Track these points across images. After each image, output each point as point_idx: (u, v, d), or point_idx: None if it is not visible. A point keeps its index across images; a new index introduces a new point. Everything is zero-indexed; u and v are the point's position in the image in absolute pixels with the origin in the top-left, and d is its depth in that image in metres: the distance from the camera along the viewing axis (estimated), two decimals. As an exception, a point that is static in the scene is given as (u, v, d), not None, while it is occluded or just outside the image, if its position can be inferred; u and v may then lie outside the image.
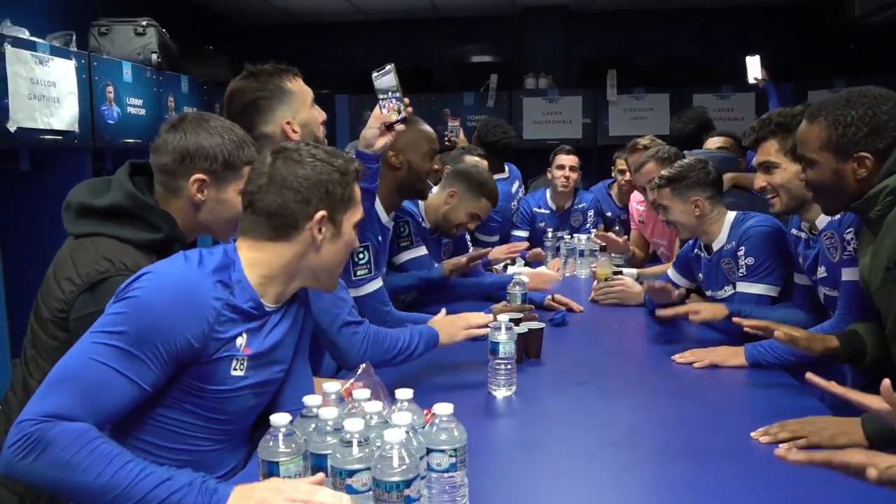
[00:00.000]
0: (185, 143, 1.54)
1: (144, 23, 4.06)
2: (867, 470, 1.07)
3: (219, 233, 1.65)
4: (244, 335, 1.31)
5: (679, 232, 2.59)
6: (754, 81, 4.08)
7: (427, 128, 2.44)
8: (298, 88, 1.90)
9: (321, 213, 1.34)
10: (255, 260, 1.34)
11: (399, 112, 1.93)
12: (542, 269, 3.49)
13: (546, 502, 1.30)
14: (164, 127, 1.60)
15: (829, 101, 1.71)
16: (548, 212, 4.11)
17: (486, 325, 1.87)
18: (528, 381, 1.92)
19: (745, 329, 1.90)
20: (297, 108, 1.88)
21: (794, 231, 2.24)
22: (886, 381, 1.16)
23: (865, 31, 5.18)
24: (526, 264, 3.69)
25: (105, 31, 4.01)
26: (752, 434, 1.53)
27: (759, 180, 2.11)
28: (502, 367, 1.83)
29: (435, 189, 2.85)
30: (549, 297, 2.74)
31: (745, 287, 2.35)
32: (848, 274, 1.91)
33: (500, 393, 1.83)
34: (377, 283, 2.24)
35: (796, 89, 5.59)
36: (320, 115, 1.95)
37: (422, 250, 2.77)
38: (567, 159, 3.98)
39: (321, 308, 1.74)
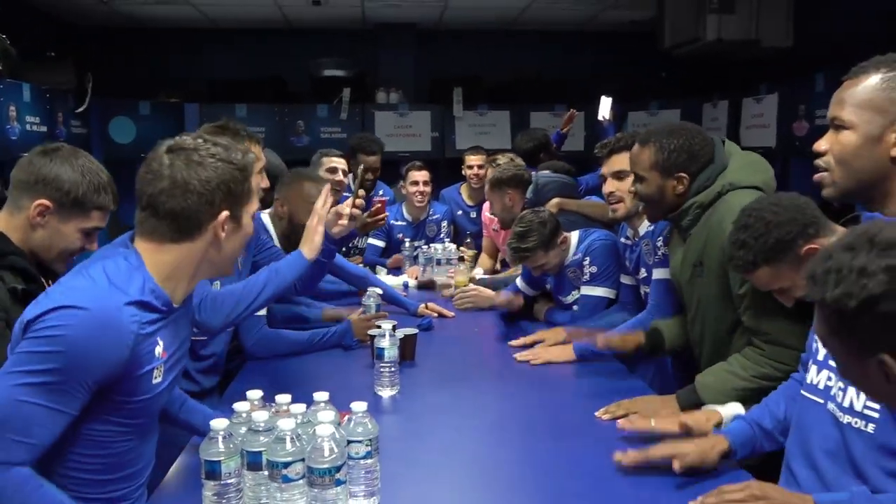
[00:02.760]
0: (47, 170, 1.65)
1: (-18, 28, 3.87)
2: (672, 462, 1.49)
3: (47, 259, 1.72)
4: (160, 341, 1.36)
5: (550, 269, 2.82)
6: (602, 119, 4.54)
7: (318, 187, 2.45)
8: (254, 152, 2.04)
9: (225, 212, 1.38)
10: (161, 263, 1.37)
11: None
12: (403, 277, 3.77)
13: (434, 477, 1.58)
14: (38, 149, 1.71)
15: (657, 130, 2.11)
16: (404, 223, 4.39)
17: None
18: (408, 380, 2.17)
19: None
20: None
21: (622, 239, 2.69)
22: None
23: (674, 60, 5.91)
24: (387, 272, 3.94)
25: (-63, 36, 3.78)
26: (596, 413, 1.88)
27: (610, 186, 2.49)
28: (386, 369, 2.07)
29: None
30: (423, 304, 3.00)
31: (589, 290, 2.76)
32: (658, 273, 2.37)
33: (386, 393, 2.07)
34: None
35: (621, 110, 6.28)
36: (263, 181, 2.11)
37: None
38: (420, 175, 4.29)
39: None
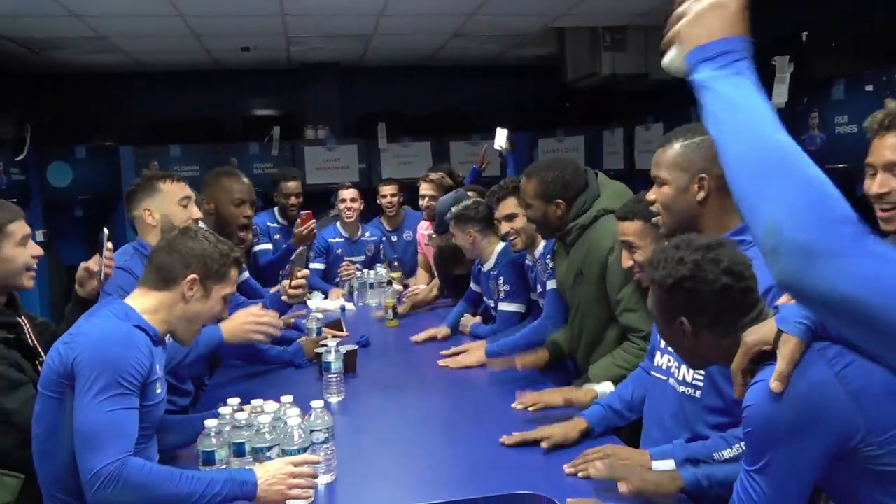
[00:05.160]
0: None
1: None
2: (542, 443, 1.97)
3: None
4: (155, 360, 1.73)
5: (465, 253, 3.44)
6: (499, 148, 5.01)
7: (237, 181, 2.94)
8: (168, 189, 2.44)
9: (194, 276, 1.79)
10: (145, 306, 1.77)
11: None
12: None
13: (376, 459, 2.03)
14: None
15: (538, 166, 2.65)
16: (342, 240, 4.83)
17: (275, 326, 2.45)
18: (352, 389, 2.61)
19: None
20: (160, 203, 2.42)
21: (527, 262, 3.19)
22: None
23: (577, 92, 6.54)
24: (324, 298, 4.34)
25: None
26: (513, 405, 2.32)
27: (504, 228, 3.00)
28: (333, 379, 2.50)
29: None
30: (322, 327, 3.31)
31: (504, 306, 3.25)
32: (549, 284, 2.87)
33: (334, 398, 2.49)
34: None
35: (531, 137, 6.88)
36: (193, 214, 2.45)
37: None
38: (347, 193, 4.77)
39: None
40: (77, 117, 6.34)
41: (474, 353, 2.92)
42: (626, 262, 2.20)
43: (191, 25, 5.16)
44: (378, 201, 5.08)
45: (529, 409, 2.21)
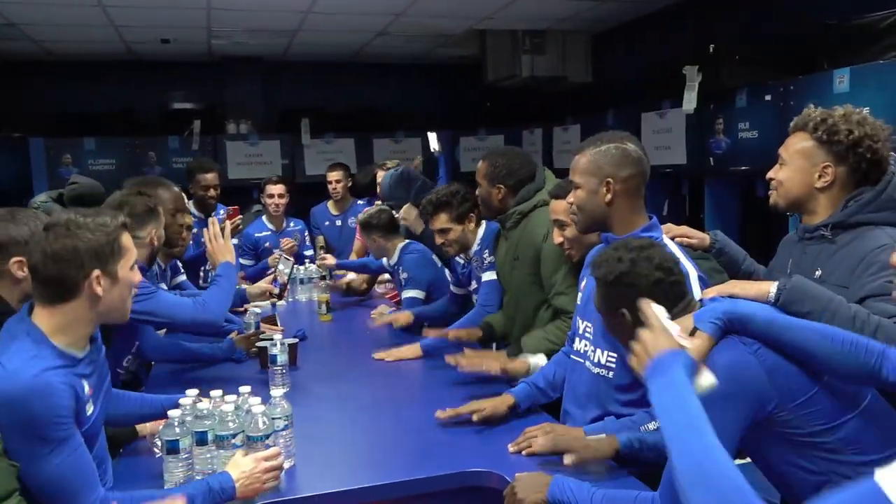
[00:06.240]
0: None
1: None
2: (472, 416, 2.13)
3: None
4: (85, 383, 1.61)
5: (372, 254, 3.81)
6: (434, 151, 5.20)
7: (167, 192, 2.90)
8: (159, 209, 2.55)
9: (94, 271, 1.59)
10: (56, 326, 1.58)
11: None
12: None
13: (325, 443, 2.12)
14: None
15: (494, 151, 2.86)
16: (269, 233, 4.86)
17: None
18: (295, 381, 2.67)
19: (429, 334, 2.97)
20: (159, 224, 2.55)
21: (458, 258, 3.35)
22: None
23: (497, 92, 6.75)
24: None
25: None
26: (453, 363, 2.46)
27: (439, 239, 3.12)
28: (279, 371, 2.56)
29: None
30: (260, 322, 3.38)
31: (405, 293, 3.55)
32: (486, 276, 3.04)
33: (280, 390, 2.52)
34: None
35: (452, 135, 7.05)
36: (187, 217, 2.58)
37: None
38: (275, 188, 4.81)
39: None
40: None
41: (410, 347, 3.03)
42: (557, 239, 2.41)
43: (110, 15, 5.04)
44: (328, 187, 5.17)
45: (464, 364, 2.42)
